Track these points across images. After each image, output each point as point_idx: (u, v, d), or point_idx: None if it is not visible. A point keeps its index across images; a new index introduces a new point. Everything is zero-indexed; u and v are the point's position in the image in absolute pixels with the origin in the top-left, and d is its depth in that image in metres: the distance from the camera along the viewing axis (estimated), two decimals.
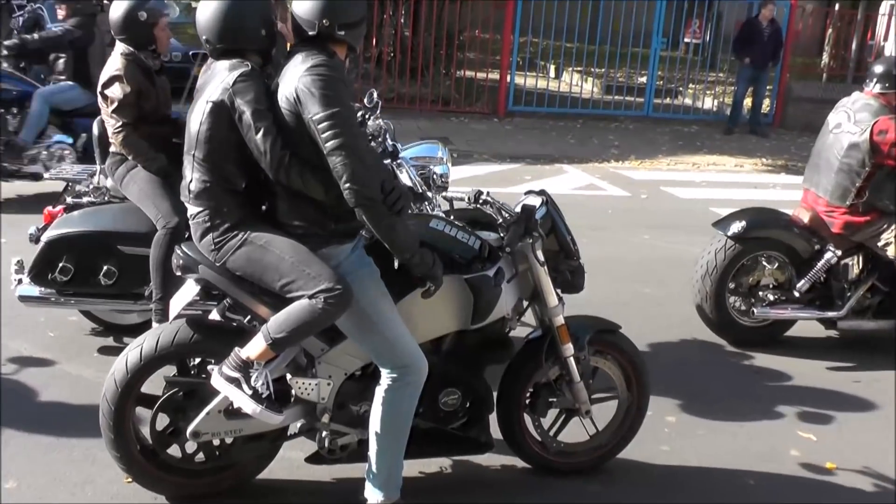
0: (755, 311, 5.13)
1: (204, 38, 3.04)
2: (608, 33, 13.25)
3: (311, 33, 2.89)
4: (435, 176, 4.40)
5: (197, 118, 2.98)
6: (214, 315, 3.29)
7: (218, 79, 2.97)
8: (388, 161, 4.42)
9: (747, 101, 13.09)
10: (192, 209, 3.04)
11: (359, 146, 2.80)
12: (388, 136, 4.51)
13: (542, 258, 3.30)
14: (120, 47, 4.32)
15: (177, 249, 3.13)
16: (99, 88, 4.29)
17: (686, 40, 15.78)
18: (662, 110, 13.76)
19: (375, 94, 4.55)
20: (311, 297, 2.88)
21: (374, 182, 2.81)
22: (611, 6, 13.39)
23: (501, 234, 3.33)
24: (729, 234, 5.11)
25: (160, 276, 4.15)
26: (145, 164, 4.28)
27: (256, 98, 2.89)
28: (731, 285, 5.21)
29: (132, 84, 4.22)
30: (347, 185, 2.76)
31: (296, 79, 2.82)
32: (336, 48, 2.95)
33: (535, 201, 3.40)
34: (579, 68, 15.08)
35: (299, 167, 2.87)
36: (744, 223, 5.11)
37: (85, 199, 4.63)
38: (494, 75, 13.39)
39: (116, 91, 4.22)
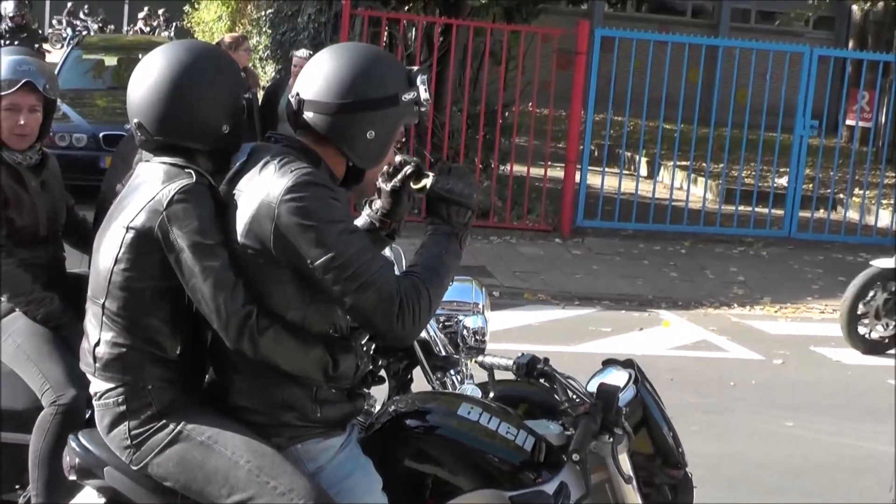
0: None
1: (135, 121, 3.12)
2: (729, 110, 13.48)
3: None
4: (466, 332, 4.42)
5: (109, 251, 3.03)
6: None
7: (144, 192, 3.03)
8: None
9: None
10: (98, 385, 3.08)
11: (377, 274, 2.91)
12: (394, 266, 4.56)
13: (628, 468, 3.30)
14: None
15: (70, 440, 3.15)
16: None
17: (849, 123, 15.93)
18: (813, 229, 13.86)
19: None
20: None
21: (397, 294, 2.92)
22: (732, 70, 13.67)
23: (566, 427, 3.34)
24: None
25: (45, 478, 4.15)
26: (26, 307, 4.37)
27: (202, 229, 2.95)
28: None
29: None
30: (382, 319, 2.91)
31: (267, 206, 2.90)
32: (329, 158, 3.07)
33: (619, 378, 3.42)
34: (684, 163, 15.28)
35: (271, 329, 2.94)
36: None
37: None
38: (557, 172, 13.59)
39: None
